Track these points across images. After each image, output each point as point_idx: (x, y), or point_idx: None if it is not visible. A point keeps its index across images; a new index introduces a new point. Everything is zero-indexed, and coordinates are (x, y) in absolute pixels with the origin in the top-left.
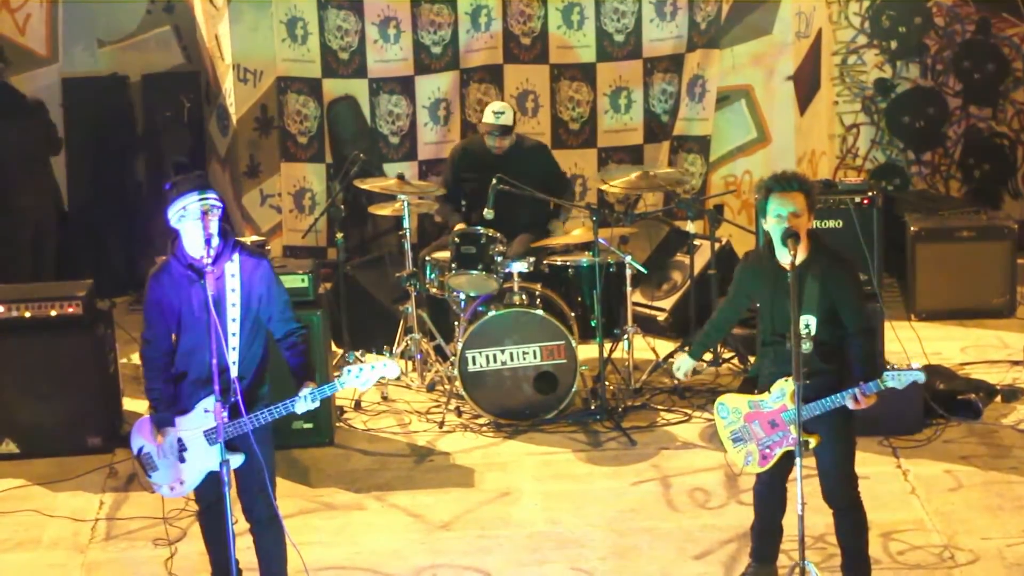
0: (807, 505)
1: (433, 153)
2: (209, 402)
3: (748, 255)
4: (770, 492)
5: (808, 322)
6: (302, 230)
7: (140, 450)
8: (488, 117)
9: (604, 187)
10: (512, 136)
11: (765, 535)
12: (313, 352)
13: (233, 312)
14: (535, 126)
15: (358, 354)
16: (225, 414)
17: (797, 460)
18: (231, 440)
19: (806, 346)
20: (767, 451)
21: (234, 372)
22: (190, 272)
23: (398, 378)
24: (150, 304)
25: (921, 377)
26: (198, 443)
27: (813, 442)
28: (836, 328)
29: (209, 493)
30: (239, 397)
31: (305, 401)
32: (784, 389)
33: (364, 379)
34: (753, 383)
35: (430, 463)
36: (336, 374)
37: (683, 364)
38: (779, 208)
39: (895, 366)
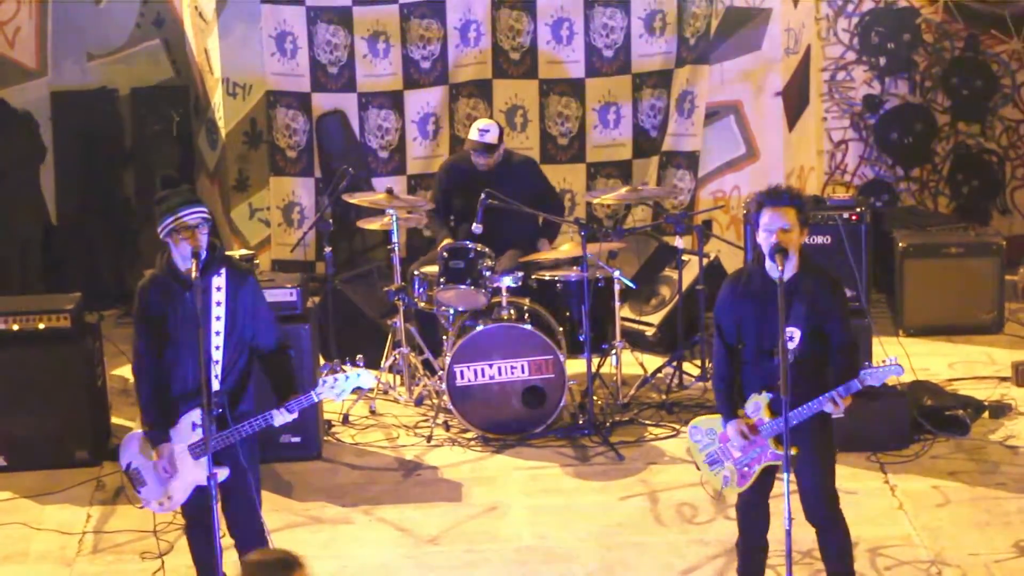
0: (794, 520)
1: (422, 168)
2: (196, 415)
3: (727, 282)
4: (753, 509)
5: (792, 334)
6: (291, 244)
7: (128, 465)
8: (473, 134)
9: (596, 201)
10: (498, 153)
11: (751, 552)
12: (300, 366)
13: (217, 326)
14: (524, 141)
15: (336, 364)
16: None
17: (785, 475)
18: (217, 454)
19: (789, 357)
20: (746, 469)
21: (217, 386)
22: (177, 285)
23: (371, 390)
24: (139, 316)
25: (899, 371)
26: (184, 457)
27: (793, 452)
28: (819, 344)
29: (196, 507)
30: (226, 411)
31: (282, 414)
32: (759, 403)
33: (339, 390)
34: None
35: (418, 477)
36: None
37: (733, 435)
38: (770, 222)
39: (870, 364)
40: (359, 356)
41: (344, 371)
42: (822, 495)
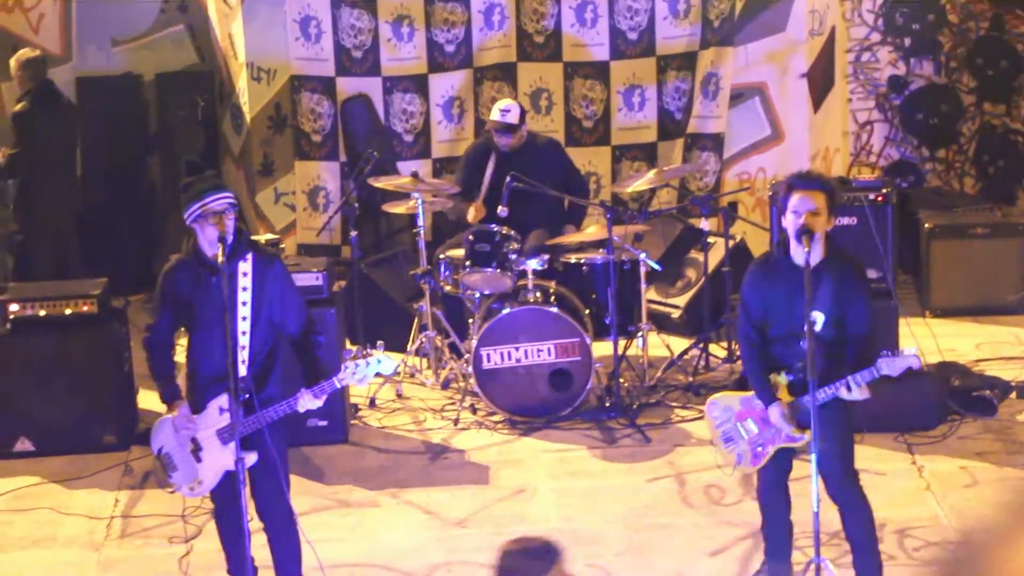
0: (823, 501)
1: (447, 151)
2: (223, 400)
3: (752, 265)
4: (774, 491)
5: (816, 318)
6: (316, 228)
7: (160, 450)
8: (494, 115)
9: (627, 191)
10: (520, 134)
11: (776, 533)
12: (328, 350)
13: (244, 311)
14: (548, 124)
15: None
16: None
17: (813, 455)
18: (245, 439)
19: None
20: (759, 449)
21: (244, 372)
22: (203, 270)
23: (397, 374)
24: (159, 297)
25: (916, 363)
26: (212, 443)
27: (806, 437)
28: (841, 331)
29: (224, 492)
30: (252, 396)
31: (306, 400)
32: (777, 383)
33: (360, 375)
34: (746, 382)
35: (445, 460)
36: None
37: (776, 418)
38: (798, 205)
39: (888, 352)
40: (380, 342)
41: (366, 357)
42: (842, 474)
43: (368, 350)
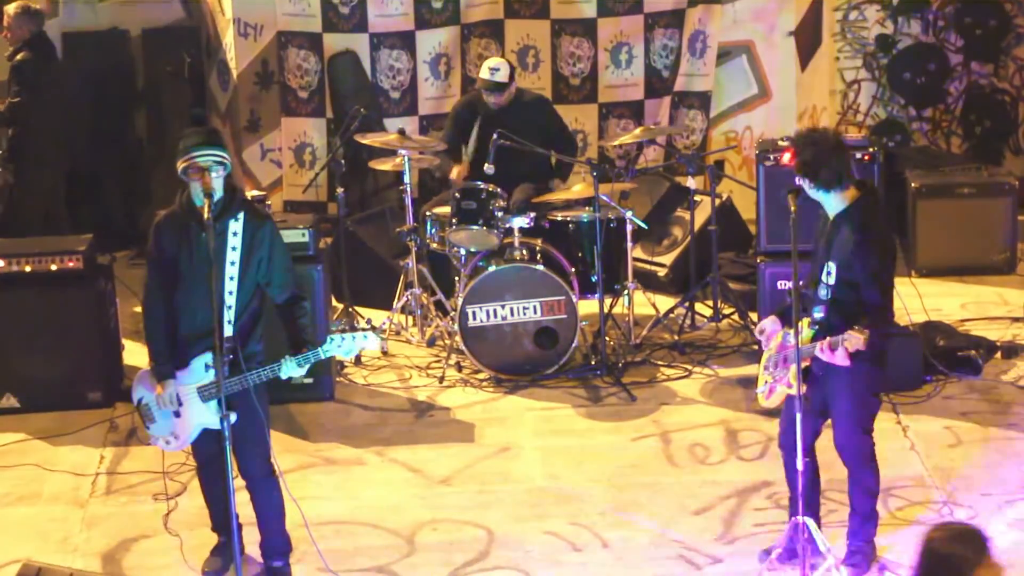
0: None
1: (434, 108)
2: (208, 358)
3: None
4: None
5: (830, 269)
6: (302, 185)
7: (140, 401)
8: (484, 73)
9: (614, 143)
10: (509, 92)
11: (792, 492)
12: (313, 308)
13: (232, 271)
14: (536, 81)
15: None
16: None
17: (798, 413)
18: (226, 398)
19: (823, 292)
20: (773, 385)
21: (229, 331)
22: (193, 223)
23: (385, 353)
24: (152, 252)
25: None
26: (192, 399)
27: (803, 389)
28: (854, 293)
29: (207, 449)
30: (238, 357)
31: (289, 367)
32: (801, 329)
33: (346, 348)
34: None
35: (430, 418)
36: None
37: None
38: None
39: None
40: (368, 318)
41: (353, 331)
42: (850, 437)
43: (356, 324)
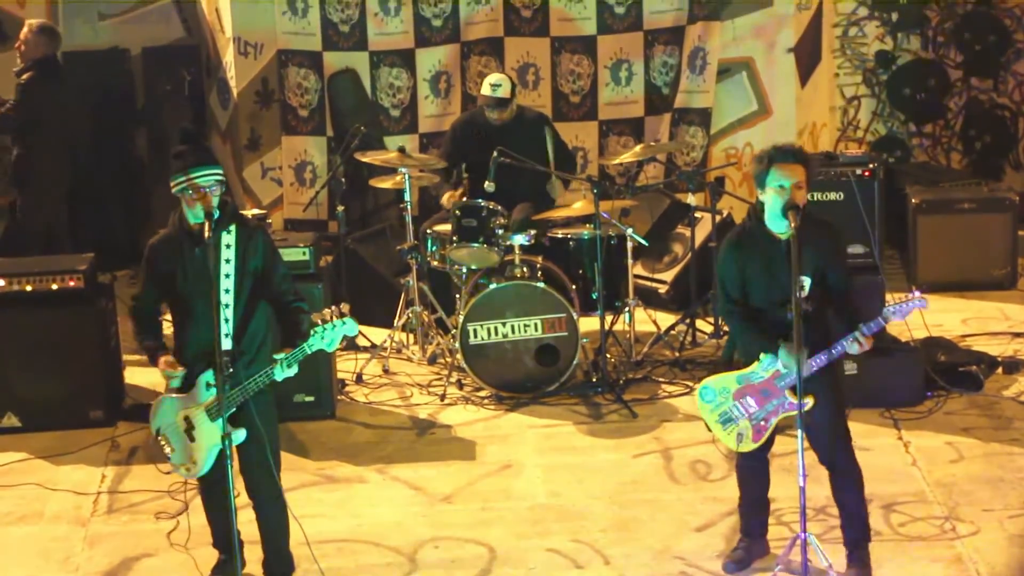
0: (808, 476)
1: (434, 126)
2: (210, 376)
3: (727, 240)
4: (756, 467)
5: (803, 283)
6: (303, 203)
7: (158, 431)
8: (485, 90)
9: (613, 162)
10: (511, 108)
11: (753, 510)
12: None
13: (227, 284)
14: (536, 99)
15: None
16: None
17: (799, 432)
18: (233, 416)
19: (805, 306)
20: (762, 424)
21: (227, 344)
22: (187, 241)
23: (356, 336)
24: (143, 269)
25: (923, 304)
26: (202, 420)
27: (811, 402)
28: (822, 294)
29: (213, 468)
30: (237, 369)
31: (283, 368)
32: (773, 356)
33: (329, 339)
34: (728, 365)
35: (431, 436)
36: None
37: (786, 357)
38: (782, 179)
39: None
40: (344, 304)
41: (331, 321)
42: (837, 436)
43: (332, 312)
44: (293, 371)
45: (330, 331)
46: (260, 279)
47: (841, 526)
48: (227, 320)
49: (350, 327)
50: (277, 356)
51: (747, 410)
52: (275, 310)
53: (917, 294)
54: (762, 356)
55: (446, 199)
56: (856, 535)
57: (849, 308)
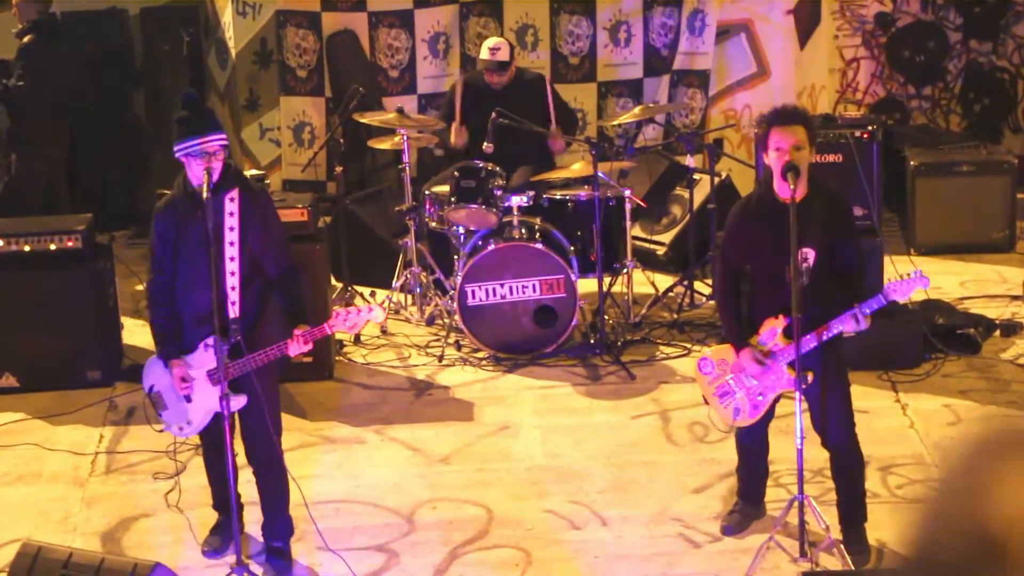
0: (805, 439)
1: (432, 87)
2: (209, 339)
3: (736, 206)
4: (755, 436)
5: (807, 255)
6: (301, 164)
7: (151, 388)
8: (484, 53)
9: (613, 122)
10: (510, 71)
11: (752, 476)
12: (313, 286)
13: (231, 251)
14: (535, 60)
15: (349, 296)
16: (224, 352)
17: (796, 394)
18: (235, 381)
19: (804, 279)
20: (759, 398)
21: (233, 310)
22: (190, 204)
23: (384, 331)
24: (154, 237)
25: (926, 284)
26: (202, 383)
27: (810, 377)
28: (829, 266)
29: (211, 431)
30: (242, 338)
31: (297, 344)
32: (775, 328)
33: (352, 323)
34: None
35: (429, 397)
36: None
37: (747, 363)
38: (780, 141)
39: (894, 280)
40: (372, 291)
41: (359, 307)
42: (839, 419)
43: (357, 300)
44: (307, 348)
45: (354, 316)
46: (258, 241)
47: (837, 503)
48: (233, 288)
49: (376, 314)
50: (297, 332)
51: (745, 383)
52: (271, 278)
53: (918, 272)
54: (761, 329)
55: (454, 138)
56: (853, 516)
57: (856, 289)
